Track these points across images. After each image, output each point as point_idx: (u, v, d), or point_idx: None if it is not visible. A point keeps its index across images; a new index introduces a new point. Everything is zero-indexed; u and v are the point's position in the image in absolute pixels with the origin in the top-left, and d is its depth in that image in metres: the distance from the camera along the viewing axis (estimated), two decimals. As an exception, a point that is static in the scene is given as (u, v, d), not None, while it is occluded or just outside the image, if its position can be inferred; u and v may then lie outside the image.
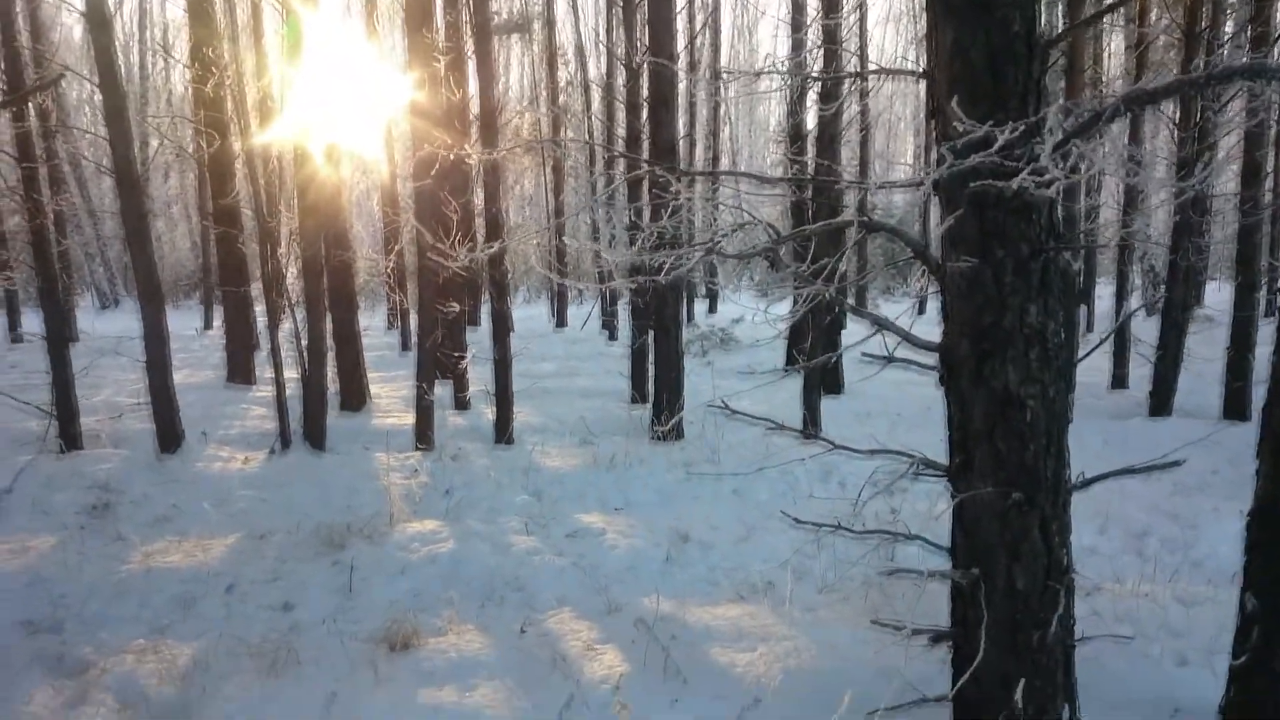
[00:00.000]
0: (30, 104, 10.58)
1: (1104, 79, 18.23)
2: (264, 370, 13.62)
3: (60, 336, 8.91)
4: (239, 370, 13.62)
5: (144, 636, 5.29)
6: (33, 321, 18.35)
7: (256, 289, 15.69)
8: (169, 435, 8.84)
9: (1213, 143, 10.72)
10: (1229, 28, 12.13)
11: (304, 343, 9.42)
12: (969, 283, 3.50)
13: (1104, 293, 22.54)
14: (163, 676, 4.71)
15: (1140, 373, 12.66)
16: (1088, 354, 4.47)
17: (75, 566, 6.24)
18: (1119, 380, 13.63)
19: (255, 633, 5.36)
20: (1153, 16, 13.37)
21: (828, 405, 11.54)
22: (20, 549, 6.51)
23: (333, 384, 11.05)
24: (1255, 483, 3.72)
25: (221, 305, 15.18)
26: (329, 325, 11.19)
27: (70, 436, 8.74)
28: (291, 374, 9.81)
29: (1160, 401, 11.44)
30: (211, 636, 5.29)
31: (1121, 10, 16.43)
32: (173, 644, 5.18)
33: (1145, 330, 13.90)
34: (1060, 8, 14.82)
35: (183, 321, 22.98)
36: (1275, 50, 10.64)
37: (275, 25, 13.20)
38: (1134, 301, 17.15)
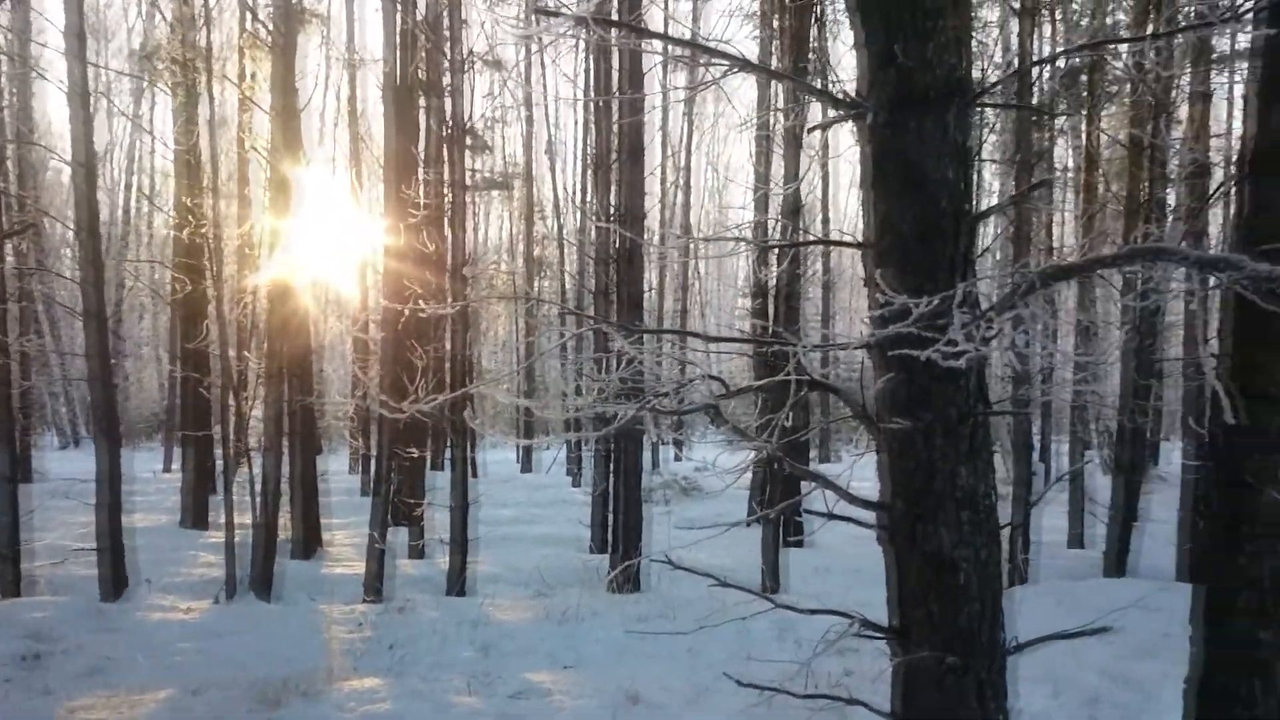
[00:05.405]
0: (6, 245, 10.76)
1: (1057, 245, 19.01)
2: (219, 515, 13.35)
3: (11, 478, 8.77)
4: (194, 514, 13.37)
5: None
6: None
7: (220, 431, 15.60)
8: (115, 581, 8.60)
9: (1158, 308, 10.99)
10: (1170, 198, 12.61)
11: (257, 487, 9.32)
12: (901, 444, 3.60)
13: (1065, 449, 22.81)
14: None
15: (1099, 532, 12.68)
16: (1035, 502, 4.55)
17: (-7, 724, 5.95)
18: (1076, 539, 13.63)
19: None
20: (1100, 190, 14.06)
21: (792, 557, 11.43)
22: (-63, 704, 6.20)
23: (289, 530, 10.86)
24: (1190, 651, 3.75)
25: (182, 447, 15.02)
26: (289, 469, 11.10)
27: (8, 582, 8.47)
28: (248, 519, 9.65)
29: (1115, 562, 11.35)
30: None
31: (1070, 183, 17.44)
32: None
33: (1103, 490, 13.98)
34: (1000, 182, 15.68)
35: (144, 462, 22.63)
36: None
37: (259, 175, 13.57)
38: (1095, 461, 17.30)
